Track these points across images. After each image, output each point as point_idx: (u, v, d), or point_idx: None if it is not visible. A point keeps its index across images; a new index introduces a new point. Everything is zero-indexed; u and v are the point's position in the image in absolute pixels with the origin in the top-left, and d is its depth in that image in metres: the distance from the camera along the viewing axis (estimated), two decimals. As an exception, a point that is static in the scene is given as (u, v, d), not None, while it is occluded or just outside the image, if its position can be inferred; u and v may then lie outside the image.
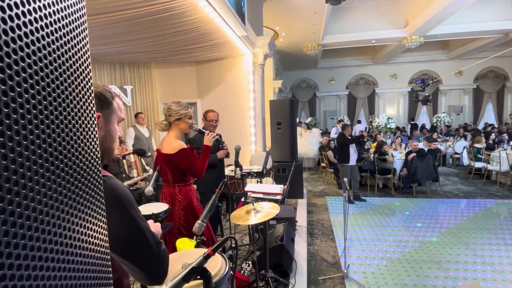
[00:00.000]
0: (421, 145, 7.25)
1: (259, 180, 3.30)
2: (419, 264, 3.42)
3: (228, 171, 4.25)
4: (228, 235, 0.83)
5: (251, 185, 2.51)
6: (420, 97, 10.67)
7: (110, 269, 0.51)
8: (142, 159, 5.01)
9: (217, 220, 2.76)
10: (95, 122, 0.49)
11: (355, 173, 5.85)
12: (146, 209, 1.84)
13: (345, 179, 3.33)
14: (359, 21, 9.86)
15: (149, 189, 2.00)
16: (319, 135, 9.82)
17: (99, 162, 0.49)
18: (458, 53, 12.88)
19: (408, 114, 14.89)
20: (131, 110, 6.27)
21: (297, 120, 9.88)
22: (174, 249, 2.15)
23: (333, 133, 9.99)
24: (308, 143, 9.21)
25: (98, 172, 0.48)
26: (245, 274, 2.94)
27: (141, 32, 3.91)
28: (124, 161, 4.84)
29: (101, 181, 0.49)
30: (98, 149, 0.49)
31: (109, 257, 0.51)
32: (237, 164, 2.26)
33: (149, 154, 5.36)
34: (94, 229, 0.45)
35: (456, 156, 9.39)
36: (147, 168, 4.90)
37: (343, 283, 3.06)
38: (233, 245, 2.82)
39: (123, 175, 4.21)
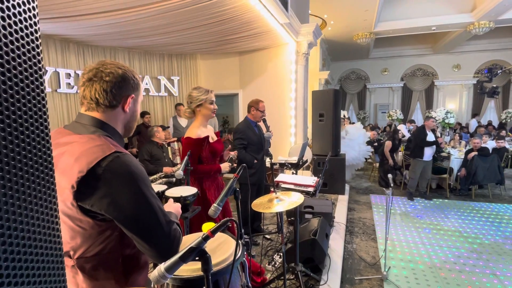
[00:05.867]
0: (490, 143, 6.42)
1: (294, 172, 3.20)
2: (471, 274, 3.05)
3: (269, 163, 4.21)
4: (229, 218, 0.78)
5: (283, 176, 2.44)
6: (486, 89, 9.39)
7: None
8: (184, 147, 5.25)
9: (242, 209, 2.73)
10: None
11: (426, 171, 5.40)
12: (175, 191, 1.87)
13: (390, 176, 3.09)
14: (417, 5, 9.00)
15: (179, 172, 2.04)
16: (360, 131, 7.23)
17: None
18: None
19: (472, 109, 13.35)
20: (177, 100, 6.53)
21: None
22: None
23: (405, 131, 8.62)
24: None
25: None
26: (276, 265, 2.89)
27: (184, 22, 4.00)
28: (169, 148, 5.09)
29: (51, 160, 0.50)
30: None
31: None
32: (267, 153, 2.20)
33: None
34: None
35: (529, 157, 8.20)
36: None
37: (381, 286, 2.86)
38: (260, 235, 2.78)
39: (166, 160, 4.39)
